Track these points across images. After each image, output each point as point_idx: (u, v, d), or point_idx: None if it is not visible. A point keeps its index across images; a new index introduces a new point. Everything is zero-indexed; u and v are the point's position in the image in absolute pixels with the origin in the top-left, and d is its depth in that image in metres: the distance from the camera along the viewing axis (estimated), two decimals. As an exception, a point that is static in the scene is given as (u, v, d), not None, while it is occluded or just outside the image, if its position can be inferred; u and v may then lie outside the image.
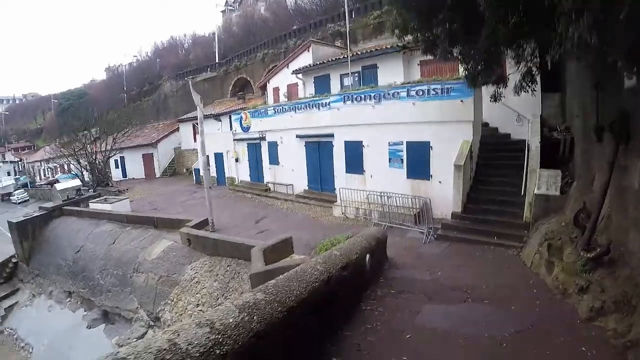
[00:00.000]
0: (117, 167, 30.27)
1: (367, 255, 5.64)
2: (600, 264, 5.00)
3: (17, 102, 75.25)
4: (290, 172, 15.62)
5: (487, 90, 11.58)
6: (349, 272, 4.70)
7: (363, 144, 12.17)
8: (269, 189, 16.87)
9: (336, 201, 12.35)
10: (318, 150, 14.23)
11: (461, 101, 9.92)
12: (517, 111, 11.35)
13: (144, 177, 28.15)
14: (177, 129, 28.22)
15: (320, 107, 13.77)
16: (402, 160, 11.41)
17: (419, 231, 9.60)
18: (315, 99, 14.26)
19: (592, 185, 6.36)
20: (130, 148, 28.91)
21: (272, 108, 16.28)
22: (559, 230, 6.64)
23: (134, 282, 12.75)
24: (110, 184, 24.53)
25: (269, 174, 17.03)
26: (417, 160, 11.02)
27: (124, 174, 29.61)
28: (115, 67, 53.84)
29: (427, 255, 8.19)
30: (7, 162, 50.54)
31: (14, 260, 18.22)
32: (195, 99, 12.20)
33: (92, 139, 25.33)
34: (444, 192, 10.15)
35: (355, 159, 12.44)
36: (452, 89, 10.08)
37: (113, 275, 13.71)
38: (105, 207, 17.52)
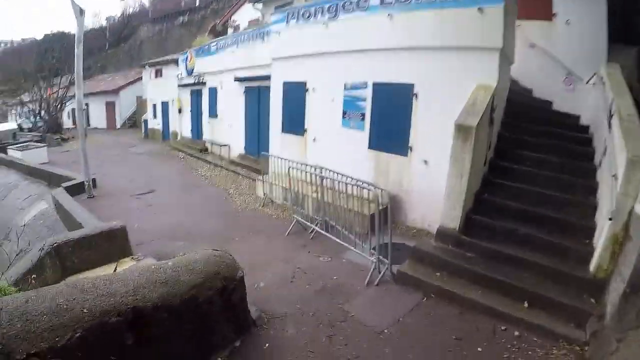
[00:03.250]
0: (80, 115, 27.18)
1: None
2: None
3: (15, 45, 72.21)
4: (228, 128, 11.86)
5: (521, 30, 7.04)
6: None
7: (307, 86, 7.94)
8: (207, 149, 13.28)
9: (266, 174, 8.18)
10: (258, 99, 10.35)
11: (479, 10, 5.05)
12: (567, 65, 6.97)
13: (106, 127, 25.14)
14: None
15: (265, 37, 9.85)
16: (362, 115, 6.78)
17: (369, 254, 4.73)
18: (260, 27, 10.36)
19: None
20: (94, 95, 25.68)
21: (215, 43, 12.43)
22: None
23: (1, 253, 9.69)
24: (62, 132, 21.94)
25: (208, 129, 13.38)
26: (389, 118, 6.34)
27: (88, 123, 26.64)
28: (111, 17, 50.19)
29: (358, 332, 3.48)
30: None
31: None
32: (74, 9, 8.39)
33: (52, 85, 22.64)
34: (432, 181, 5.56)
35: (295, 111, 8.26)
36: (464, -11, 5.20)
37: (-12, 242, 10.70)
38: (16, 154, 14.43)
